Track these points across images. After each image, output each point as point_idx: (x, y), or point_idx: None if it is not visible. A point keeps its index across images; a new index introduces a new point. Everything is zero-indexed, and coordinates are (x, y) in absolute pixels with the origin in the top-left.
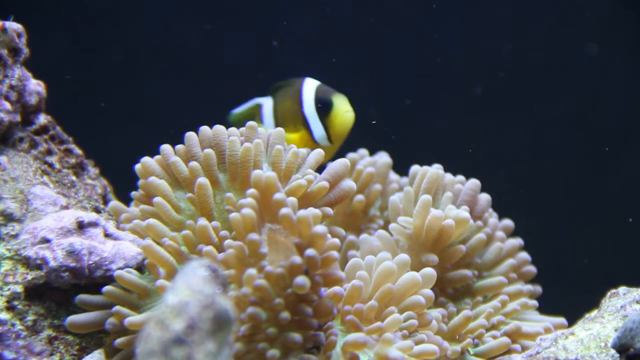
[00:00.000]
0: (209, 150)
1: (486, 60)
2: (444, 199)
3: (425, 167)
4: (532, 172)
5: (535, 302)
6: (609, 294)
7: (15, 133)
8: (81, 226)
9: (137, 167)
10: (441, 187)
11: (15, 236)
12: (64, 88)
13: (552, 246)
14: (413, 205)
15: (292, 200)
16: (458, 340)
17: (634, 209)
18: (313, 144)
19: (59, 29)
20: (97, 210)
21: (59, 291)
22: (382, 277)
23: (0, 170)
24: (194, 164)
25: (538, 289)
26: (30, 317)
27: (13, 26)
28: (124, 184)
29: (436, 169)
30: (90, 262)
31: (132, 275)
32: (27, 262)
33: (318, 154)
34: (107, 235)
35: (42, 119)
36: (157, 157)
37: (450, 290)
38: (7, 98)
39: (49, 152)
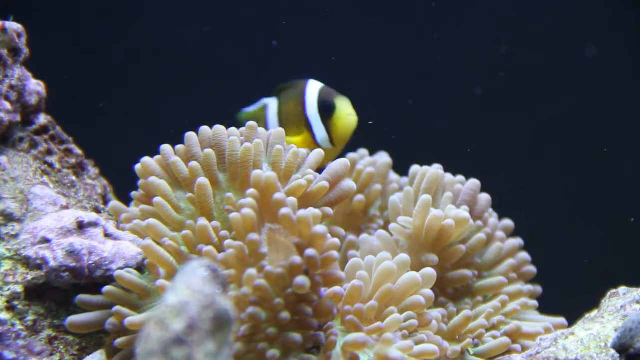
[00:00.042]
0: (209, 150)
1: (486, 60)
2: (444, 199)
3: (425, 167)
4: (532, 172)
5: (535, 302)
6: (609, 294)
7: (15, 133)
8: (81, 226)
9: (137, 167)
10: (441, 187)
11: (15, 236)
12: (64, 88)
13: (552, 246)
14: (413, 205)
15: (292, 200)
16: (458, 340)
17: (634, 209)
18: (315, 146)
19: (59, 29)
20: (97, 210)
21: (59, 291)
22: (382, 277)
23: (0, 170)
24: (194, 164)
25: (538, 289)
26: (30, 317)
27: (13, 26)
28: (124, 184)
29: (436, 169)
30: (90, 262)
31: (132, 275)
32: (27, 262)
33: (318, 154)
34: (107, 235)
35: (42, 119)
36: (157, 157)
37: (450, 290)
38: (7, 98)
39: (49, 152)
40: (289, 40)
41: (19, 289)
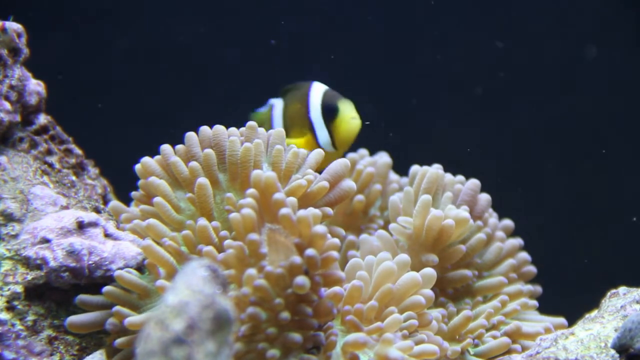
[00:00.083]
0: (209, 150)
1: (486, 60)
2: (444, 199)
3: (425, 167)
4: (532, 172)
5: (535, 302)
6: (609, 294)
7: (15, 133)
8: (81, 226)
9: (137, 167)
10: (441, 187)
11: (15, 236)
12: (64, 88)
13: (552, 246)
14: (413, 205)
15: (292, 200)
16: (458, 340)
17: (634, 209)
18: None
19: (59, 29)
20: (97, 210)
21: (59, 291)
22: (382, 277)
23: (0, 170)
24: (194, 164)
25: (538, 289)
26: (30, 317)
27: (13, 26)
28: (124, 184)
29: (436, 169)
30: (90, 262)
31: (132, 275)
32: (27, 262)
33: (318, 154)
34: (107, 235)
35: (42, 119)
36: (157, 157)
37: (450, 290)
38: (7, 98)
39: (49, 152)
40: (289, 40)
41: (19, 289)
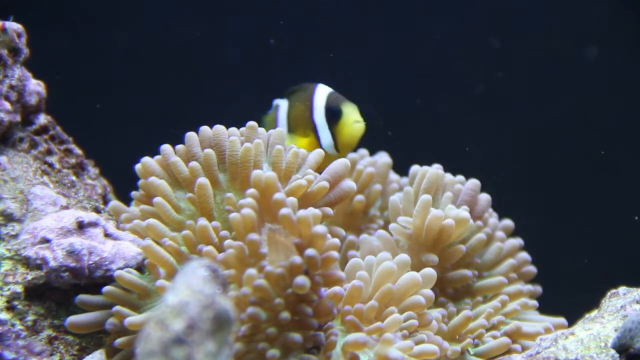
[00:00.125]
0: (209, 150)
1: (486, 60)
2: (444, 199)
3: (425, 167)
4: (532, 172)
5: (535, 302)
6: (609, 294)
7: (15, 133)
8: (81, 226)
9: (138, 167)
10: (441, 187)
11: (15, 236)
12: (64, 88)
13: (552, 246)
14: (413, 205)
15: (292, 200)
16: (458, 340)
17: (634, 209)
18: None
19: (59, 29)
20: (97, 210)
21: (59, 291)
22: (382, 277)
23: (0, 170)
24: (194, 164)
25: (538, 289)
26: (30, 317)
27: (13, 26)
28: (124, 184)
29: (436, 169)
30: (90, 262)
31: (132, 275)
32: (27, 262)
33: (318, 154)
34: (107, 235)
35: (42, 119)
36: (158, 157)
37: (450, 290)
38: (7, 98)
39: (49, 152)
40: (289, 40)
41: (19, 289)
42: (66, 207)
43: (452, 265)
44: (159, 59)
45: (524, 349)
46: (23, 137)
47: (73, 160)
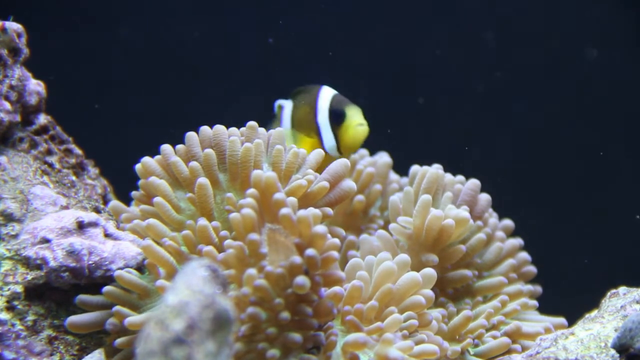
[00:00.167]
0: (209, 150)
1: (486, 60)
2: (444, 199)
3: (425, 167)
4: (532, 171)
5: (535, 302)
6: (609, 294)
7: (15, 133)
8: (81, 226)
9: (138, 167)
10: (441, 187)
11: (15, 236)
12: (64, 88)
13: (552, 246)
14: (413, 205)
15: (292, 200)
16: (458, 341)
17: (634, 209)
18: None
19: (59, 29)
20: (97, 210)
21: (59, 291)
22: (382, 277)
23: (0, 170)
24: (194, 164)
25: (538, 289)
26: (30, 317)
27: (13, 26)
28: (124, 184)
29: (436, 169)
30: (90, 262)
31: (132, 275)
32: (27, 262)
33: (318, 154)
34: (107, 235)
35: (42, 119)
36: (158, 157)
37: (450, 290)
38: (7, 98)
39: (49, 152)
40: (289, 40)
41: (19, 289)
42: (66, 207)
43: (452, 265)
44: (158, 59)
45: (524, 349)
46: (23, 137)
47: (73, 160)
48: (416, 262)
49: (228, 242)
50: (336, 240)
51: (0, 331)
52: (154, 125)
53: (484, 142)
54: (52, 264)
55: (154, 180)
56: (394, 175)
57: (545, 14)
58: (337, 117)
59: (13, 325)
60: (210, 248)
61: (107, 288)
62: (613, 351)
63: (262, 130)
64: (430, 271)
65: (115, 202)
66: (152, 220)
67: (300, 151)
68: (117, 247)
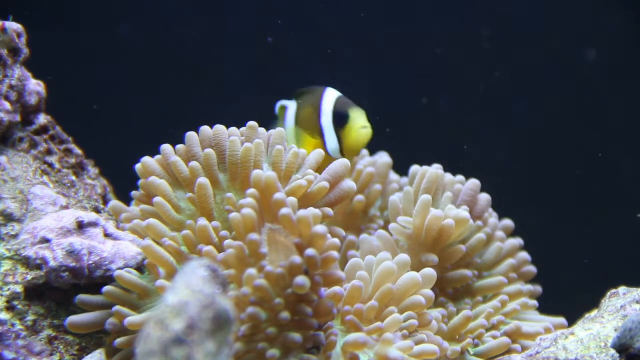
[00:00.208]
0: (209, 150)
1: (486, 60)
2: (444, 199)
3: (425, 167)
4: (532, 171)
5: (535, 302)
6: (609, 294)
7: (15, 133)
8: (81, 226)
9: (138, 166)
10: (441, 187)
11: (15, 236)
12: (64, 88)
13: (552, 246)
14: (413, 205)
15: (292, 200)
16: (458, 341)
17: (635, 209)
18: (327, 155)
19: (59, 29)
20: (97, 210)
21: (59, 291)
22: (383, 277)
23: (0, 170)
24: (194, 164)
25: (538, 289)
26: (30, 317)
27: (13, 26)
28: (124, 184)
29: (436, 169)
30: (90, 262)
31: (132, 276)
32: (27, 262)
33: (318, 154)
34: (107, 235)
35: (42, 119)
36: (158, 157)
37: (450, 291)
38: (7, 98)
39: (49, 152)
40: (288, 40)
41: (19, 289)
42: (66, 207)
43: (452, 266)
44: (159, 59)
45: (524, 349)
46: (23, 137)
47: (73, 160)
48: (416, 262)
49: (228, 242)
50: (336, 240)
51: (0, 331)
52: (154, 125)
53: (484, 142)
54: (52, 264)
55: (154, 180)
56: (394, 175)
57: (546, 14)
58: (340, 120)
59: (13, 325)
60: (210, 248)
61: (107, 288)
62: (613, 351)
63: (262, 130)
64: (430, 271)
65: (115, 202)
66: (152, 220)
67: (300, 151)
68: (117, 247)
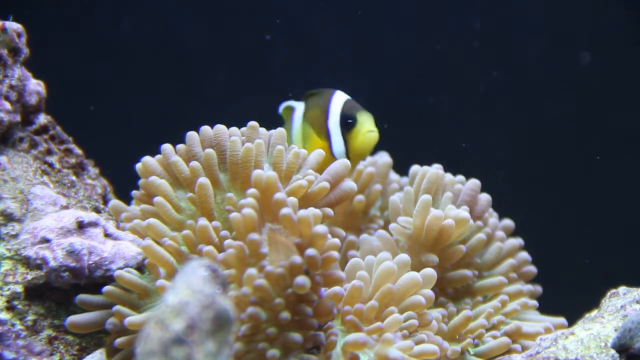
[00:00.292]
0: (209, 150)
1: (486, 60)
2: (444, 199)
3: (425, 167)
4: (532, 172)
5: (535, 302)
6: (609, 294)
7: (15, 133)
8: (81, 226)
9: (138, 166)
10: (441, 187)
11: (15, 236)
12: (64, 88)
13: (552, 246)
14: (413, 205)
15: (293, 200)
16: (458, 340)
17: (634, 209)
18: (332, 158)
19: (59, 29)
20: (97, 210)
21: (59, 291)
22: (383, 277)
23: (0, 170)
24: (194, 163)
25: (538, 289)
26: (30, 317)
27: (13, 26)
28: (124, 184)
29: (436, 169)
30: (90, 262)
31: (132, 275)
32: (27, 262)
33: (319, 154)
34: (107, 235)
35: (42, 119)
36: (158, 156)
37: (450, 290)
38: (7, 98)
39: (49, 152)
40: (289, 40)
41: (19, 289)
42: (66, 207)
43: (452, 265)
44: (158, 58)
45: (524, 349)
46: (23, 137)
47: (73, 160)
48: (416, 262)
49: (228, 242)
50: (336, 240)
51: (0, 331)
52: (154, 125)
53: (484, 142)
54: (52, 263)
55: (155, 179)
56: (394, 175)
57: (546, 14)
58: (347, 123)
59: (13, 325)
60: (210, 248)
61: (107, 288)
62: (613, 351)
63: (263, 130)
64: (430, 271)
65: (115, 202)
66: (152, 220)
67: (301, 151)
68: (117, 247)
